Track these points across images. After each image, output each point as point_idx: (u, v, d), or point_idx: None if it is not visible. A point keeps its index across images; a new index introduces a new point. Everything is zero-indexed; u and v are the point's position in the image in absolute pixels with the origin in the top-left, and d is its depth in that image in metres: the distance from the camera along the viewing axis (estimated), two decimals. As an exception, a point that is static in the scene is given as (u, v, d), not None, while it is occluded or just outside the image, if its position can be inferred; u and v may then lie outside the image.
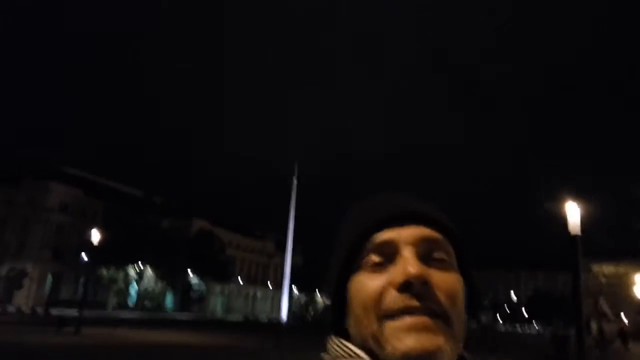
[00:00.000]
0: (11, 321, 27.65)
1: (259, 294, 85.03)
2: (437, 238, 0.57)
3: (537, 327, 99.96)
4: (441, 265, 0.55)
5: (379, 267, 0.55)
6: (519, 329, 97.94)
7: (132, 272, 49.89)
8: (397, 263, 0.54)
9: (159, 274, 51.82)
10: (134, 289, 53.60)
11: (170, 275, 52.02)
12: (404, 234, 0.56)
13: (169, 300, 59.10)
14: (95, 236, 36.13)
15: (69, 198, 52.54)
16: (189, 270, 55.27)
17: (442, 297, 0.53)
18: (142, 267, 50.80)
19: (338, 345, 0.58)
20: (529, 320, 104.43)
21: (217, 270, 58.34)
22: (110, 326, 26.35)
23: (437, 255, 0.56)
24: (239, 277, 77.00)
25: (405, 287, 0.52)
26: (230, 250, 70.36)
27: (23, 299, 44.51)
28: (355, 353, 0.55)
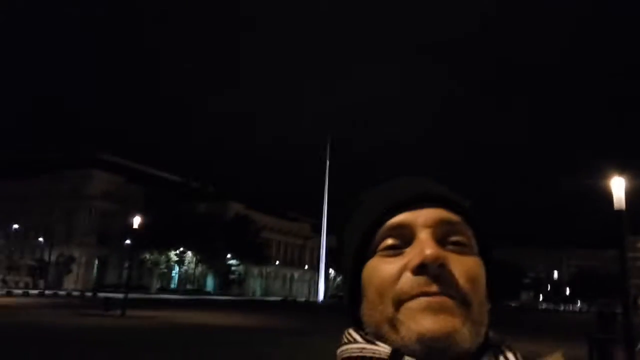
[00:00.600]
0: (62, 304, 29.01)
1: (296, 276, 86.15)
2: (455, 220, 0.56)
3: (580, 306, 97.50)
4: (459, 248, 0.54)
5: (394, 251, 0.54)
6: (561, 308, 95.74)
7: (173, 255, 51.36)
8: (414, 246, 0.53)
9: (199, 257, 53.16)
10: (175, 272, 55.26)
11: (210, 258, 53.26)
12: (421, 217, 0.55)
13: (210, 282, 60.69)
14: (137, 221, 37.26)
15: (110, 185, 54.30)
16: (228, 253, 56.43)
17: (460, 280, 0.52)
18: (182, 251, 52.26)
19: (346, 336, 0.56)
20: (572, 299, 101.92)
21: (254, 253, 59.34)
22: (154, 308, 27.23)
23: (454, 238, 0.55)
24: (277, 260, 78.14)
25: (422, 269, 0.51)
26: (267, 233, 71.33)
27: (72, 284, 46.66)
28: (354, 339, 0.54)
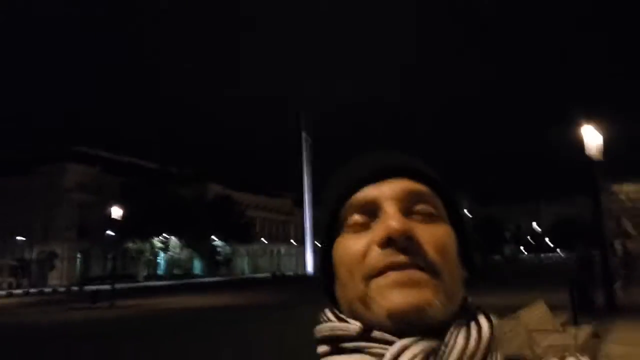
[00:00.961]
0: (48, 301, 28.68)
1: (282, 251, 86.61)
2: (422, 190, 0.55)
3: (561, 254, 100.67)
4: (428, 218, 0.53)
5: (362, 227, 0.53)
6: (542, 257, 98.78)
7: (157, 242, 50.99)
8: (380, 220, 0.52)
9: (184, 241, 52.88)
10: (161, 258, 54.98)
11: (195, 241, 53.06)
12: (385, 189, 0.54)
13: (197, 266, 60.63)
14: (116, 212, 36.74)
15: (86, 177, 53.22)
16: (212, 235, 56.25)
17: (429, 250, 0.50)
18: (166, 237, 51.89)
19: (321, 315, 0.56)
20: (553, 249, 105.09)
21: (239, 232, 59.27)
22: (142, 296, 27.13)
23: (422, 208, 0.53)
24: (262, 237, 78.27)
25: (388, 242, 0.49)
26: (250, 211, 71.16)
27: (56, 279, 46.07)
28: (328, 318, 0.54)
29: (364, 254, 0.51)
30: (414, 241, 0.50)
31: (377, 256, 0.50)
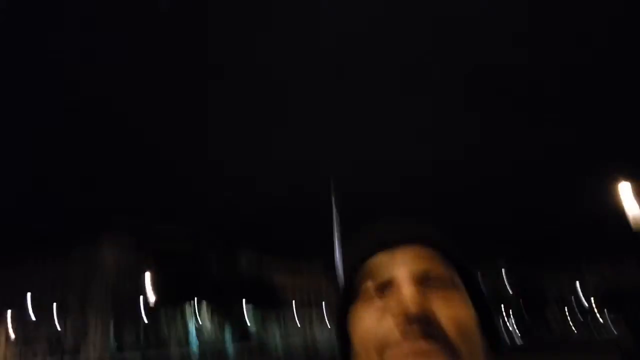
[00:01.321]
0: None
1: (314, 316, 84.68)
2: (434, 257, 0.54)
3: (609, 318, 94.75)
4: (442, 285, 0.52)
5: (376, 295, 0.53)
6: (589, 322, 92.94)
7: (188, 310, 50.82)
8: (395, 290, 0.51)
9: (215, 310, 52.54)
10: (192, 325, 54.58)
11: (226, 310, 52.70)
12: (399, 256, 0.53)
13: (227, 334, 59.72)
14: (147, 280, 37.15)
15: (120, 249, 54.38)
16: (242, 302, 55.85)
17: (445, 323, 0.48)
18: (197, 305, 51.76)
19: None
20: (599, 312, 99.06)
21: (270, 298, 58.58)
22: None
23: (435, 274, 0.53)
24: (293, 302, 77.06)
25: (402, 318, 0.49)
26: (280, 277, 70.67)
27: (90, 348, 46.01)
28: None
29: (378, 326, 0.50)
30: (429, 315, 0.48)
31: (390, 330, 0.49)
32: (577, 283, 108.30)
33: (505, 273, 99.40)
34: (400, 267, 0.52)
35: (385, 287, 0.52)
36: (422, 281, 0.51)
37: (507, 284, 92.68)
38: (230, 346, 54.85)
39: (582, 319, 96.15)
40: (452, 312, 0.49)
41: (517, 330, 73.77)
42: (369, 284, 0.53)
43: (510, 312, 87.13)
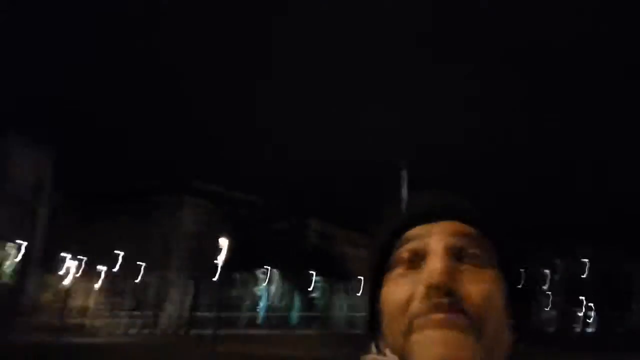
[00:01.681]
0: (163, 334, 30.69)
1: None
2: (470, 233, 0.55)
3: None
4: (475, 262, 0.53)
5: (409, 266, 0.55)
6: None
7: (260, 275, 52.96)
8: (428, 262, 0.53)
9: (284, 275, 54.36)
10: (263, 290, 56.89)
11: (295, 277, 54.31)
12: (435, 230, 0.54)
13: (295, 301, 61.72)
14: (224, 243, 38.82)
15: (199, 210, 57.25)
16: (310, 270, 57.26)
17: (474, 299, 0.51)
18: (268, 270, 53.78)
19: (368, 348, 0.57)
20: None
21: (336, 269, 59.52)
22: (245, 328, 27.91)
23: (470, 251, 0.54)
24: (358, 274, 77.90)
25: (431, 290, 0.51)
26: (347, 248, 71.43)
27: (170, 305, 49.48)
28: (371, 350, 0.56)
29: (409, 298, 0.52)
30: (457, 289, 0.50)
31: (420, 301, 0.51)
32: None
33: (589, 261, 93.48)
34: (436, 240, 0.53)
35: (420, 258, 0.54)
36: (456, 256, 0.53)
37: (588, 273, 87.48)
38: (295, 314, 56.74)
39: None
40: (481, 289, 0.51)
41: (595, 320, 69.86)
42: (404, 255, 0.55)
43: (591, 302, 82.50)
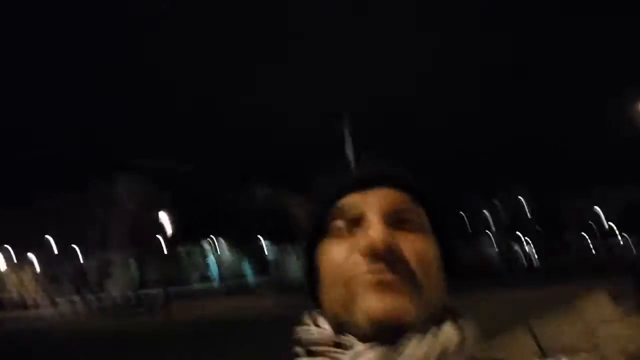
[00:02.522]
0: (105, 307, 29.66)
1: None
2: (405, 200, 0.56)
3: (630, 242, 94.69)
4: (410, 227, 0.54)
5: (345, 233, 0.55)
6: (610, 247, 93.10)
7: (206, 246, 52.01)
8: (362, 228, 0.54)
9: (232, 243, 53.70)
10: (211, 261, 56.06)
11: (244, 244, 53.74)
12: (370, 198, 0.55)
13: (247, 268, 61.40)
14: (164, 218, 37.42)
15: (135, 186, 55.12)
16: (259, 236, 56.84)
17: (409, 259, 0.52)
18: (216, 241, 52.86)
19: (303, 318, 0.58)
20: (621, 237, 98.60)
21: (287, 233, 59.43)
22: (194, 299, 27.43)
23: (405, 217, 0.55)
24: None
25: (369, 252, 0.52)
26: (297, 210, 71.41)
27: (113, 286, 47.88)
28: (305, 321, 0.56)
29: (345, 261, 0.53)
30: (394, 251, 0.52)
31: (358, 264, 0.52)
32: (597, 207, 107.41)
33: (525, 199, 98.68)
34: (371, 206, 0.54)
35: (355, 225, 0.54)
36: (391, 221, 0.54)
37: (526, 210, 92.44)
38: (251, 279, 56.49)
39: (601, 242, 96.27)
40: (416, 251, 0.52)
41: (535, 255, 74.27)
42: (340, 222, 0.55)
43: (529, 238, 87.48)
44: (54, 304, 35.37)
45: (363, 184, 0.56)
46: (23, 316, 28.28)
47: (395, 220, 0.54)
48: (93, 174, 53.89)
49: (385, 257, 0.51)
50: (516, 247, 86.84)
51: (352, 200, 0.55)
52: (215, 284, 50.30)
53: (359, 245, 0.52)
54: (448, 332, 0.51)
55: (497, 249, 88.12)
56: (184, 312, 21.23)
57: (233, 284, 48.69)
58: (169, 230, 42.75)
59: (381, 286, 0.50)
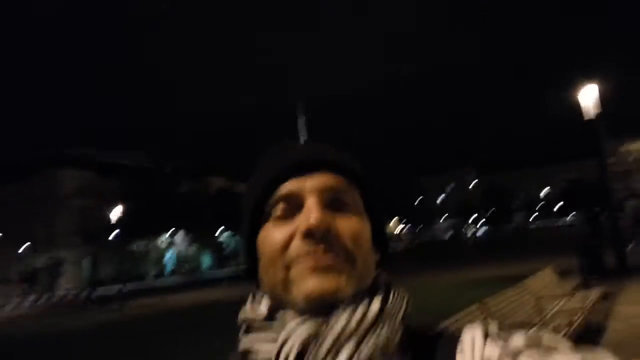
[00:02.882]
0: (57, 306, 28.61)
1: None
2: (342, 184, 0.58)
3: (572, 219, 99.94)
4: (346, 210, 0.57)
5: (285, 217, 0.57)
6: (553, 224, 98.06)
7: (162, 241, 50.88)
8: (302, 212, 0.55)
9: (190, 238, 52.75)
10: (169, 256, 54.92)
11: (201, 237, 52.87)
12: (308, 183, 0.57)
13: (205, 261, 60.54)
14: (116, 213, 36.32)
15: (83, 181, 53.04)
16: (217, 228, 56.09)
17: (345, 240, 0.55)
18: (172, 234, 51.74)
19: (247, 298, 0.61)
20: (564, 214, 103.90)
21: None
22: (152, 296, 26.87)
23: (341, 201, 0.57)
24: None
25: (309, 235, 0.54)
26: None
27: (65, 285, 46.13)
28: (247, 300, 0.60)
29: (286, 244, 0.55)
30: (331, 233, 0.54)
31: (298, 247, 0.54)
32: (544, 186, 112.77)
33: (475, 182, 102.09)
34: (310, 192, 0.56)
35: (295, 209, 0.56)
36: (329, 204, 0.56)
37: (475, 193, 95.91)
38: (210, 271, 55.84)
39: (547, 220, 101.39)
40: (350, 228, 0.55)
41: (486, 233, 77.15)
42: (280, 209, 0.57)
43: (480, 219, 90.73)
44: (3, 304, 33.78)
45: (301, 169, 0.57)
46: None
47: (332, 203, 0.57)
48: (38, 164, 51.38)
49: (324, 239, 0.54)
50: (468, 225, 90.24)
51: (291, 187, 0.57)
52: (174, 278, 49.37)
53: (298, 229, 0.54)
54: (379, 303, 0.53)
55: (449, 231, 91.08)
56: (138, 308, 20.82)
57: (192, 277, 47.99)
58: (121, 225, 41.55)
59: (319, 269, 0.53)
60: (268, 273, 0.57)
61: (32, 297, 38.17)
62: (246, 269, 0.62)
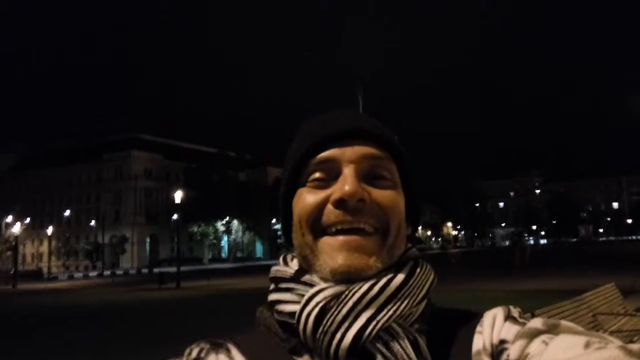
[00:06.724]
0: (120, 282, 30.37)
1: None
2: (380, 155, 0.59)
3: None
4: (382, 181, 0.58)
5: (321, 184, 0.57)
6: (623, 240, 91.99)
7: (220, 226, 52.49)
8: (338, 181, 0.56)
9: (245, 225, 54.05)
10: (225, 241, 56.57)
11: (256, 225, 54.01)
12: (347, 152, 0.58)
13: (259, 249, 61.86)
14: (179, 196, 37.78)
15: (151, 164, 55.53)
16: (272, 219, 57.14)
17: (378, 211, 0.55)
18: (229, 220, 53.26)
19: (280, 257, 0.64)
20: (635, 228, 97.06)
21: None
22: (206, 278, 27.90)
23: (379, 172, 0.58)
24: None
25: (341, 203, 0.54)
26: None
27: (128, 262, 48.69)
28: (279, 261, 0.62)
29: (319, 209, 0.56)
30: (365, 203, 0.55)
31: (329, 213, 0.55)
32: (614, 200, 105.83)
33: (539, 189, 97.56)
34: (348, 162, 0.57)
35: (332, 177, 0.57)
36: (365, 175, 0.57)
37: (539, 199, 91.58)
38: (261, 260, 57.02)
39: (616, 232, 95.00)
40: (384, 199, 0.56)
41: (548, 244, 73.89)
42: (318, 174, 0.58)
43: (543, 229, 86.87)
44: (70, 277, 36.22)
45: (342, 137, 0.58)
46: (42, 287, 29.20)
47: (369, 172, 0.57)
48: (110, 147, 54.34)
49: (357, 209, 0.54)
50: (526, 237, 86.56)
51: (330, 154, 0.58)
52: (228, 264, 50.85)
53: (332, 197, 0.55)
54: (405, 275, 0.55)
55: (509, 239, 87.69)
56: (194, 289, 21.76)
57: (245, 264, 49.20)
58: (183, 209, 43.26)
59: (349, 247, 0.54)
60: (298, 235, 0.58)
61: (96, 271, 40.65)
62: (282, 229, 0.64)
